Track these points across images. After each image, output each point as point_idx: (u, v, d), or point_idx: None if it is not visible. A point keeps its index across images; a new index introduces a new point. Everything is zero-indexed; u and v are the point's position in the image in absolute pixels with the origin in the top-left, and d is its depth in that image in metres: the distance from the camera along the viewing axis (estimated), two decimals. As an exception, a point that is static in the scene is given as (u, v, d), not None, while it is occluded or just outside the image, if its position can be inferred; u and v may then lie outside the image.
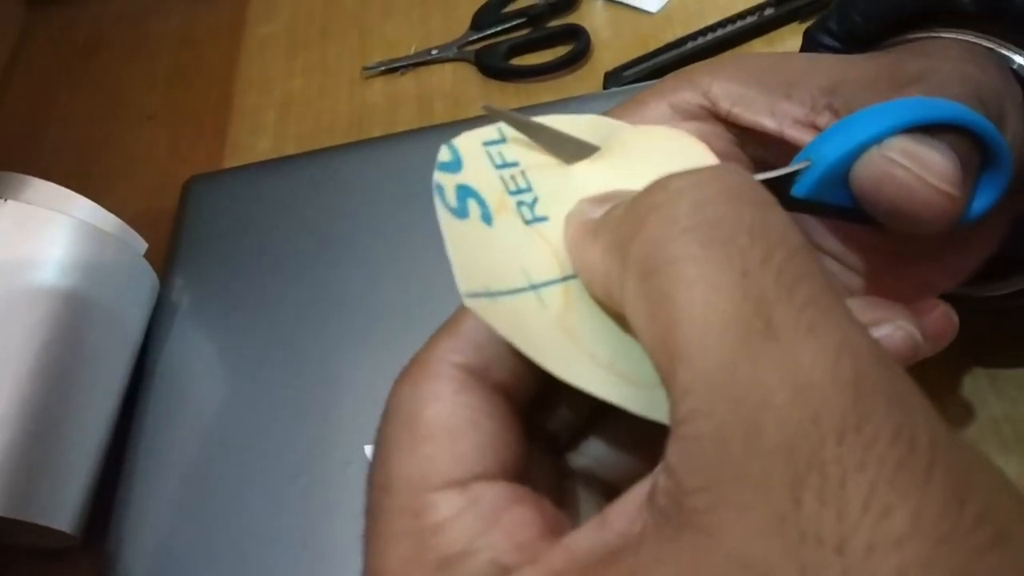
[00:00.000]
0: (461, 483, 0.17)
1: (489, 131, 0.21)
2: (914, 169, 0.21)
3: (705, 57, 0.49)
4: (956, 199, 0.21)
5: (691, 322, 0.14)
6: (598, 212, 0.18)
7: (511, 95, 0.51)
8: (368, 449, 0.36)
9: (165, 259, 0.45)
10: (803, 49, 0.31)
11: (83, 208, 0.41)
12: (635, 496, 0.15)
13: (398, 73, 0.53)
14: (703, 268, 0.14)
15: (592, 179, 0.21)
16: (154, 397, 0.40)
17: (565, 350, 0.17)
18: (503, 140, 0.21)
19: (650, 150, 0.21)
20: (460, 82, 0.52)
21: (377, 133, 0.50)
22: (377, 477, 0.18)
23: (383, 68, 0.53)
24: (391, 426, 0.18)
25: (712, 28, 0.49)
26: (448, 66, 0.53)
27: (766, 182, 0.21)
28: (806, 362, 0.13)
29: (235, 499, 0.36)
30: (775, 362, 0.13)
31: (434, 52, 0.53)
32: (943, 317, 0.24)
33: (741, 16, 0.49)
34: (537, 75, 0.51)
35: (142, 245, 0.43)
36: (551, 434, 0.21)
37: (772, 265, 0.14)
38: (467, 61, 0.53)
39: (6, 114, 0.58)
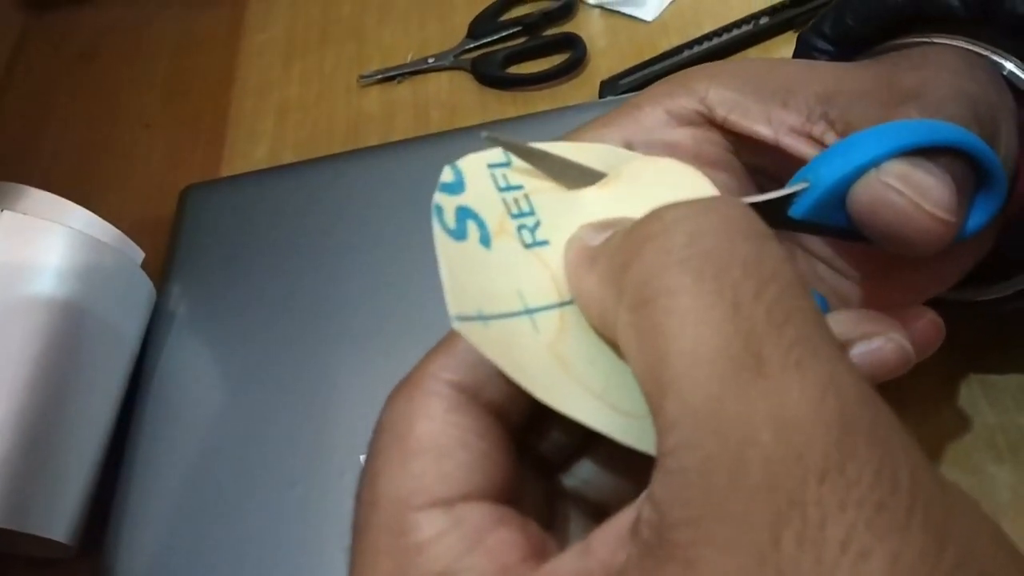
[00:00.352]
0: (446, 502, 0.17)
1: (495, 153, 0.21)
2: (910, 195, 0.21)
3: (700, 66, 0.49)
4: (951, 225, 0.21)
5: (680, 354, 0.14)
6: (598, 239, 0.18)
7: (507, 103, 0.51)
8: (363, 459, 0.36)
9: (162, 267, 0.45)
10: (796, 53, 0.31)
11: (80, 218, 0.41)
12: (619, 524, 0.15)
13: (395, 81, 0.54)
14: (695, 300, 0.15)
15: (597, 206, 0.21)
16: (151, 406, 0.40)
17: (556, 377, 0.17)
18: (508, 163, 0.21)
19: (657, 181, 0.21)
20: (456, 90, 0.52)
21: (374, 141, 0.50)
22: (365, 492, 0.18)
23: (380, 76, 0.54)
24: (381, 441, 0.18)
25: (708, 37, 0.50)
26: (444, 74, 0.53)
27: (765, 203, 0.21)
28: (792, 399, 0.13)
29: (231, 508, 0.36)
30: (762, 398, 0.13)
31: (431, 60, 0.54)
32: (930, 325, 0.24)
33: (736, 25, 0.50)
34: (533, 84, 0.51)
35: (139, 254, 0.43)
36: (543, 456, 0.21)
37: (764, 300, 0.14)
38: (463, 69, 0.53)
39: (3, 120, 0.58)
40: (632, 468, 0.20)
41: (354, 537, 0.18)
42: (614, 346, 0.18)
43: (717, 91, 0.25)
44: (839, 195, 0.22)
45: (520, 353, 0.17)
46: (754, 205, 0.20)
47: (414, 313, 0.40)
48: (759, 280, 0.15)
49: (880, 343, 0.22)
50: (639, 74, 0.49)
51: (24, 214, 0.38)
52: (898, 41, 0.28)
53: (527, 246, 0.20)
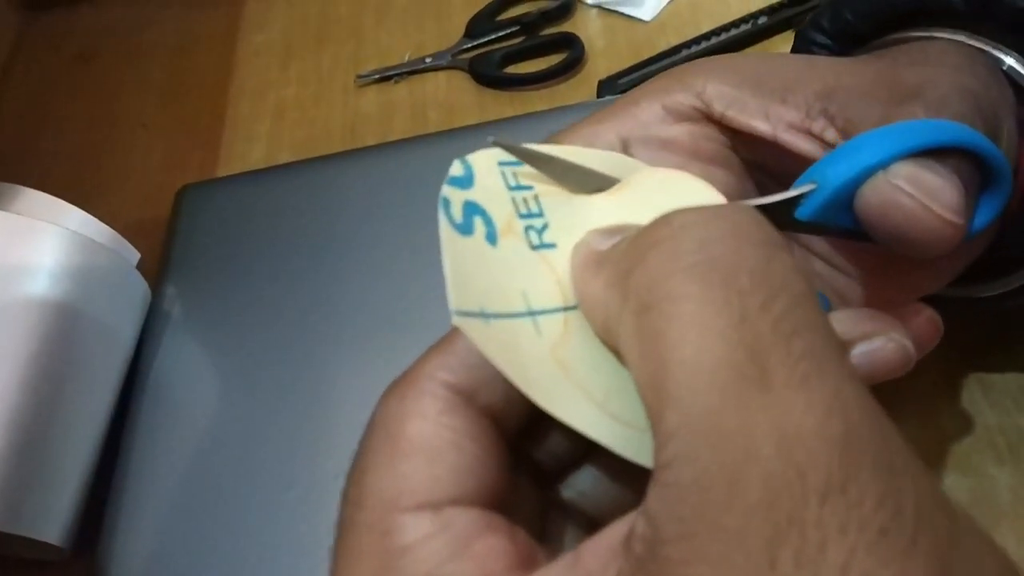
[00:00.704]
0: (434, 506, 0.17)
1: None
2: (920, 197, 0.21)
3: (699, 65, 0.49)
4: (960, 227, 0.21)
5: (682, 363, 0.14)
6: (606, 244, 0.18)
7: (505, 103, 0.50)
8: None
9: (158, 268, 0.44)
10: (795, 48, 0.31)
11: (76, 219, 0.41)
12: (611, 537, 0.15)
13: (392, 81, 0.53)
14: (700, 308, 0.14)
15: (606, 212, 0.20)
16: (146, 408, 0.39)
17: (555, 382, 0.17)
18: (519, 162, 0.20)
19: (667, 190, 0.21)
20: (454, 90, 0.52)
21: (371, 141, 0.50)
22: (352, 491, 0.18)
23: (377, 76, 0.53)
24: (372, 439, 0.18)
25: (706, 36, 0.49)
26: (442, 74, 0.53)
27: (771, 205, 0.21)
28: (796, 415, 0.13)
29: (226, 510, 0.36)
30: (764, 412, 0.13)
31: (428, 60, 0.53)
32: (928, 322, 0.23)
33: (735, 24, 0.49)
34: (531, 83, 0.51)
35: (135, 256, 0.43)
36: (539, 464, 0.20)
37: (772, 311, 0.14)
38: (461, 69, 0.53)
39: (0, 121, 0.58)
40: (631, 481, 0.20)
41: (338, 536, 0.18)
42: (617, 353, 0.17)
43: (715, 86, 0.24)
44: (846, 196, 0.21)
45: (520, 355, 0.17)
46: (760, 207, 0.19)
47: (411, 314, 0.40)
48: (768, 290, 0.14)
49: (881, 343, 0.22)
50: (637, 74, 0.48)
51: (19, 215, 0.38)
52: (897, 36, 0.28)
53: (534, 247, 0.19)
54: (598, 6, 0.54)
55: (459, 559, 0.16)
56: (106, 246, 0.40)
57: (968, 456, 0.33)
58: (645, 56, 0.49)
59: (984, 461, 0.32)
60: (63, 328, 0.36)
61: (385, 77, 0.53)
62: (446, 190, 0.19)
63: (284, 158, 0.51)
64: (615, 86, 0.48)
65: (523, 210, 0.20)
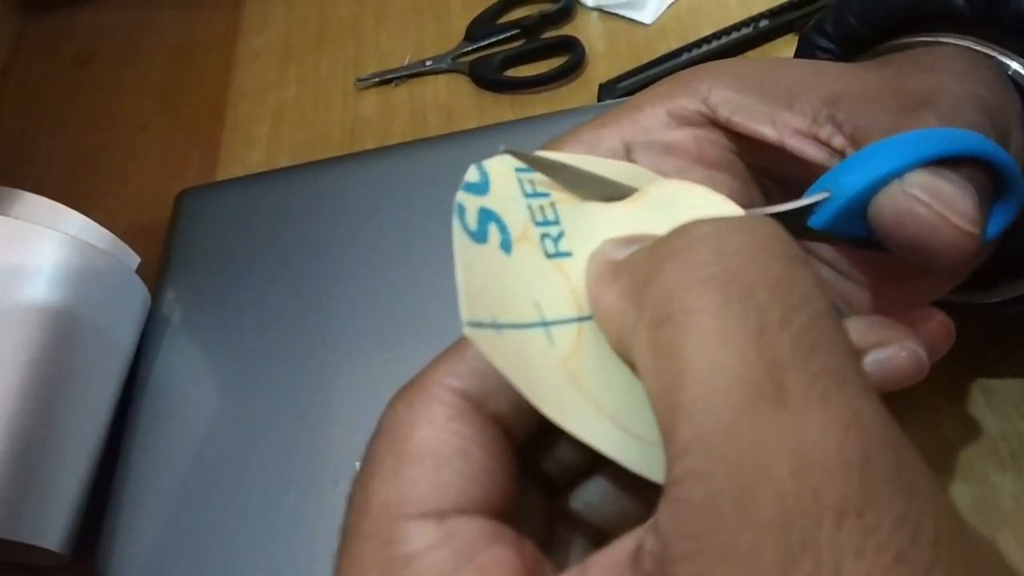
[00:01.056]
0: (440, 514, 0.16)
1: None
2: (936, 207, 0.20)
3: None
4: (976, 236, 0.21)
5: (697, 378, 0.13)
6: (622, 254, 0.18)
7: (505, 107, 0.50)
8: (359, 466, 0.35)
9: (157, 272, 0.44)
10: (798, 52, 0.30)
11: (75, 223, 0.41)
12: (619, 552, 0.15)
13: (391, 84, 0.53)
14: (717, 321, 0.14)
15: (624, 221, 0.20)
16: (145, 413, 0.39)
17: (567, 394, 0.17)
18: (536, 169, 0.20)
19: (685, 202, 0.20)
20: (454, 94, 0.52)
21: (370, 145, 0.50)
22: (357, 496, 0.17)
23: (376, 79, 0.53)
24: (379, 444, 0.18)
25: (707, 40, 0.49)
26: (442, 77, 0.53)
27: (784, 213, 0.21)
28: (813, 435, 0.13)
29: (225, 515, 0.36)
30: (780, 431, 0.13)
31: (428, 63, 0.53)
32: (940, 327, 0.23)
33: (736, 27, 0.49)
34: (531, 87, 0.50)
35: (134, 260, 0.43)
36: (548, 474, 0.20)
37: (791, 327, 0.14)
38: (461, 73, 0.52)
39: (-1, 123, 0.58)
40: (640, 494, 0.20)
41: (341, 542, 0.17)
42: (631, 365, 0.17)
43: (720, 91, 0.24)
44: (861, 205, 0.21)
45: (531, 366, 0.17)
46: (772, 215, 0.19)
47: (411, 318, 0.39)
48: (787, 305, 0.14)
49: (894, 351, 0.21)
50: (638, 77, 0.48)
51: (18, 219, 0.38)
52: (901, 40, 0.28)
53: (549, 256, 0.19)
54: (599, 9, 0.54)
55: (463, 570, 0.16)
56: (105, 250, 0.40)
57: (970, 463, 0.33)
58: (646, 59, 0.49)
59: (986, 468, 0.32)
60: (62, 333, 0.36)
61: (385, 80, 0.53)
62: (461, 196, 0.18)
63: (283, 160, 0.51)
64: (616, 89, 0.48)
65: (539, 218, 0.19)
